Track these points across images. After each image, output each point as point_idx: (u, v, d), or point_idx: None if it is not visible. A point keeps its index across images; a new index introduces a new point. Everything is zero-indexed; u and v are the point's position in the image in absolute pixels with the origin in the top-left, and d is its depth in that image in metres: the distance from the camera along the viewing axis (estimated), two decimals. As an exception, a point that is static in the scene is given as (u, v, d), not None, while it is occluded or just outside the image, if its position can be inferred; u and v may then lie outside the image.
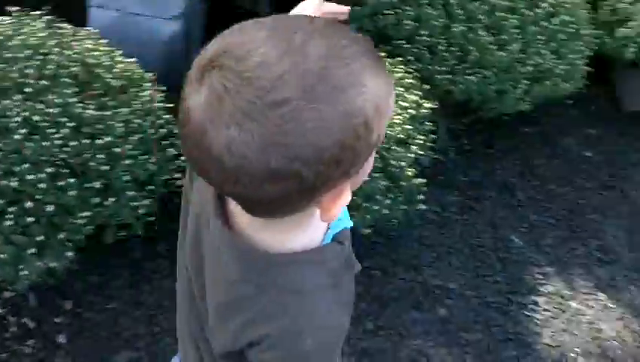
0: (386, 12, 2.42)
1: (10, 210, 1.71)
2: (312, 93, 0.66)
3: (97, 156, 1.82)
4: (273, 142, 0.66)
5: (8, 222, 1.70)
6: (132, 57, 2.09)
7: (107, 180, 1.86)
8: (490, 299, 2.35)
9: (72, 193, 1.76)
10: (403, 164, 2.10)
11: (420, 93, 2.27)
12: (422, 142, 2.19)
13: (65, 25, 2.07)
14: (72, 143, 1.78)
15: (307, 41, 0.68)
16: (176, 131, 1.96)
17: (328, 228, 0.91)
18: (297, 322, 0.85)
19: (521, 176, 2.83)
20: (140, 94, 2.02)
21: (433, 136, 2.26)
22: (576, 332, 2.35)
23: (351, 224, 0.96)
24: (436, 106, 2.25)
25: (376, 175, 2.06)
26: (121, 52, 2.10)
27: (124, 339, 2.01)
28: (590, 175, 2.89)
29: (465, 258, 2.47)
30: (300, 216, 0.81)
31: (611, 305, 2.43)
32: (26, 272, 1.74)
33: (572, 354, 2.28)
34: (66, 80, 1.88)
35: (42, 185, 1.72)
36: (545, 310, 2.37)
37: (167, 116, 2.04)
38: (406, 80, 2.28)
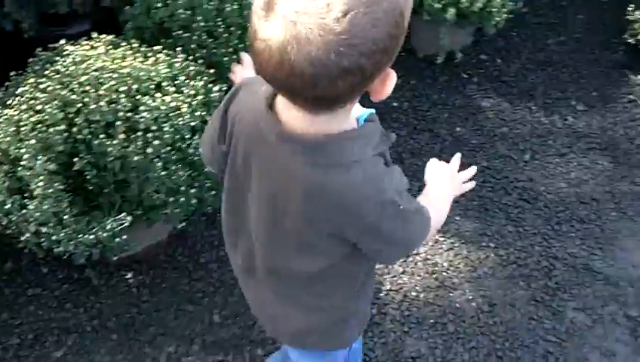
0: (158, 5, 2.37)
1: None
2: None
3: None
4: (344, 46, 0.85)
5: None
6: None
7: None
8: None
9: None
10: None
11: (207, 78, 2.25)
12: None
13: None
14: None
15: None
16: None
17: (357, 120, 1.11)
18: (370, 183, 1.05)
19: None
20: None
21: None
22: (413, 271, 2.43)
23: (372, 110, 1.15)
24: (225, 87, 2.23)
25: (175, 167, 2.02)
26: None
27: None
28: (402, 123, 2.99)
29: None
30: (344, 109, 1.02)
31: (440, 238, 2.53)
32: None
33: (413, 293, 2.35)
34: None
35: None
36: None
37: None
38: (190, 68, 2.25)
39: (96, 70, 2.07)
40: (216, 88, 2.22)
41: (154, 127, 2.00)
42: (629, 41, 3.18)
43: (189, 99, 2.11)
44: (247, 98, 1.15)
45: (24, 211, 1.91)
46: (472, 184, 1.46)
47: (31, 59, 2.26)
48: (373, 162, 1.07)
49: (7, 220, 1.94)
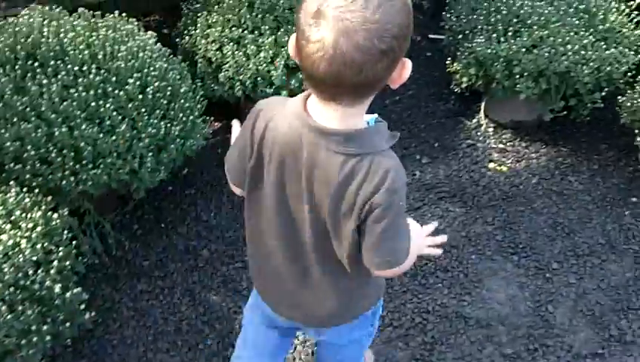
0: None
1: None
2: None
3: None
4: (382, 32, 1.11)
5: None
6: None
7: None
8: None
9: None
10: (49, 283, 1.99)
11: (45, 206, 2.18)
12: (66, 253, 2.10)
13: None
14: None
15: None
16: None
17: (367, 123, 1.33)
18: (390, 171, 1.27)
19: (199, 237, 2.85)
20: None
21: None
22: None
23: (376, 115, 1.37)
24: (66, 212, 2.17)
25: (23, 307, 1.93)
26: None
27: None
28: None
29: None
30: (367, 103, 1.26)
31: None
32: None
33: (298, 378, 2.32)
34: None
35: None
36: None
37: None
38: (26, 200, 2.17)
39: None
40: (55, 216, 2.16)
41: (-7, 270, 1.91)
42: (456, 90, 3.38)
43: (27, 233, 2.04)
44: (272, 111, 1.34)
45: None
46: (439, 251, 1.62)
47: None
48: (393, 153, 1.32)
49: None
